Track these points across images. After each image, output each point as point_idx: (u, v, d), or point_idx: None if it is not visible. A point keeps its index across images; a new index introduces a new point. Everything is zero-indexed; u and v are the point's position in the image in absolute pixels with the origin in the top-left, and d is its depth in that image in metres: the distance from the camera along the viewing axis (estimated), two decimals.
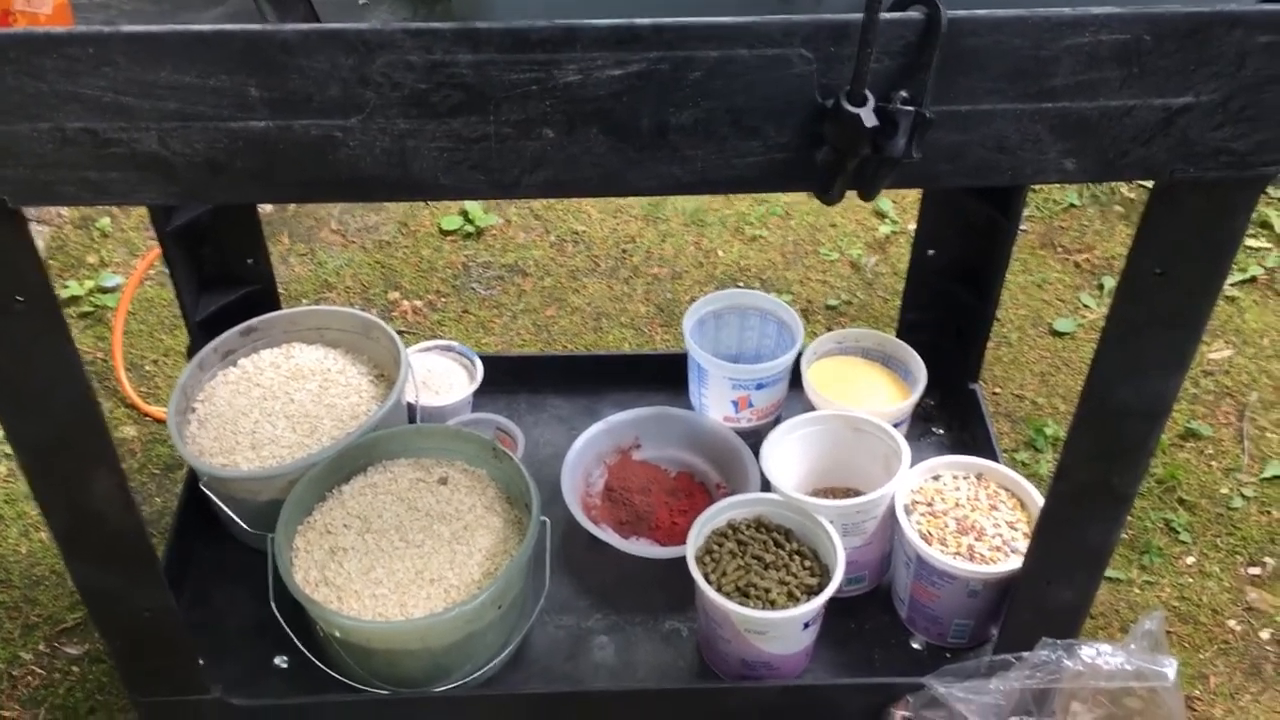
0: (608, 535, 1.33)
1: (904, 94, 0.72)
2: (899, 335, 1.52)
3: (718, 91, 0.73)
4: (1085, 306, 1.92)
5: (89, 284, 1.94)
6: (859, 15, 0.69)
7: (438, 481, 1.28)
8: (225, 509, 1.26)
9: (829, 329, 1.91)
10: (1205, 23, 0.71)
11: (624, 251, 2.05)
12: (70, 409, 0.89)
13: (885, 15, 0.70)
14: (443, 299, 1.96)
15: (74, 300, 1.92)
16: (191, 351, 1.40)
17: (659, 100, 0.73)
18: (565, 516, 1.35)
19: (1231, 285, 1.95)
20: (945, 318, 1.48)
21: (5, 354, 0.85)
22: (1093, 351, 0.91)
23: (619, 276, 2.00)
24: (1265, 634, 1.49)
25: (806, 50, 0.72)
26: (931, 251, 1.45)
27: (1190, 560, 1.57)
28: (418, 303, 1.95)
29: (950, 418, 1.52)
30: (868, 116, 0.71)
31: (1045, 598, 1.10)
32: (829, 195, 0.77)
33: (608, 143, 0.75)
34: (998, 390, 1.80)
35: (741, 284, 1.99)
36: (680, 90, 0.73)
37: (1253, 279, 1.96)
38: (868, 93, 0.71)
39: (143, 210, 2.01)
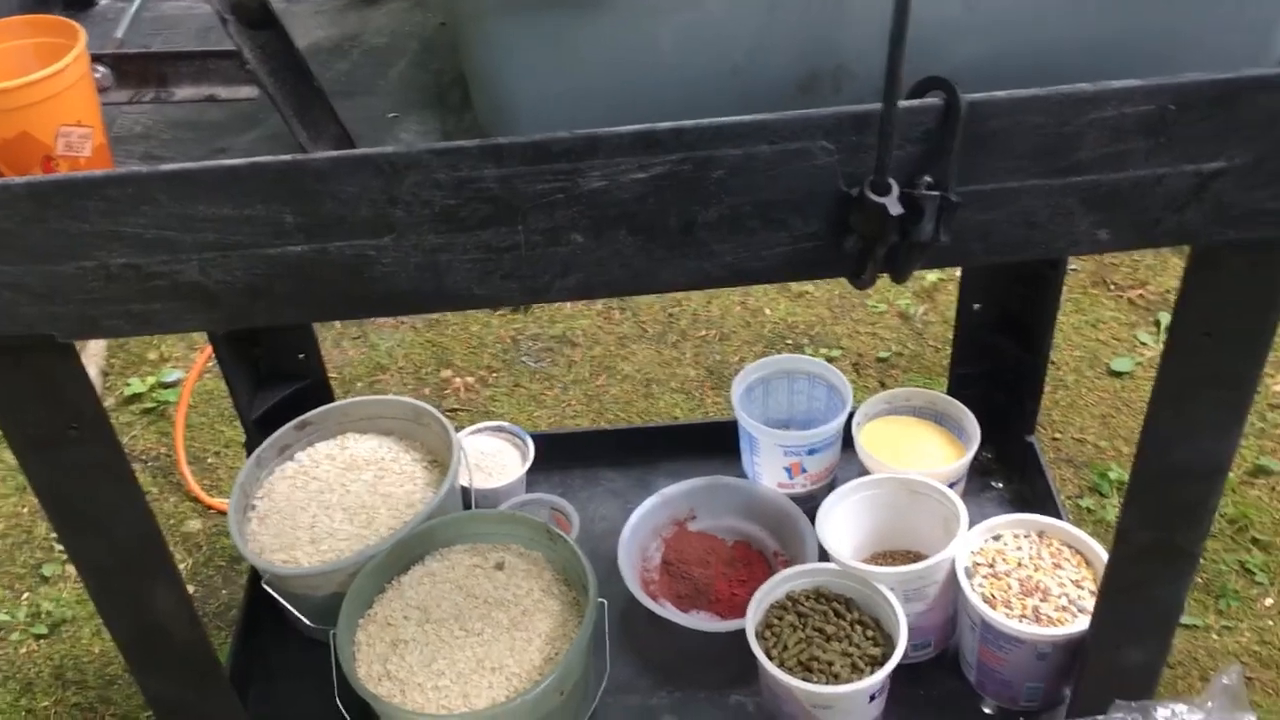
0: (667, 611, 1.33)
1: (928, 179, 0.72)
2: (950, 390, 1.50)
3: (742, 187, 0.73)
4: (1142, 344, 1.89)
5: (150, 380, 1.98)
6: (878, 105, 0.69)
7: (494, 567, 1.28)
8: (288, 606, 1.28)
9: (881, 383, 1.90)
10: (1231, 89, 0.70)
11: (670, 316, 2.06)
12: (129, 530, 0.91)
13: (904, 103, 0.70)
14: (494, 374, 1.98)
15: (136, 397, 1.96)
16: (249, 448, 1.42)
17: (684, 199, 0.74)
18: (624, 593, 1.34)
19: None
20: (996, 371, 1.46)
21: (63, 480, 0.87)
22: (1161, 359, 0.89)
23: (667, 341, 2.01)
24: None
25: (828, 142, 0.72)
26: (977, 305, 1.43)
27: (1269, 602, 1.53)
28: (470, 379, 1.97)
29: (1009, 471, 1.50)
30: (893, 205, 0.71)
31: (1116, 660, 1.08)
32: (860, 280, 0.77)
33: (636, 243, 0.76)
34: (1058, 436, 1.77)
35: (790, 341, 1.98)
36: (704, 189, 0.73)
37: None
38: (891, 181, 0.71)
39: None
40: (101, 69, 0.81)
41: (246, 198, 0.73)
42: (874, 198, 0.71)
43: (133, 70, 0.83)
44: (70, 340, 0.79)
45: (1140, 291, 2.00)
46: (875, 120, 0.70)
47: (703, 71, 0.74)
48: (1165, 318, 1.91)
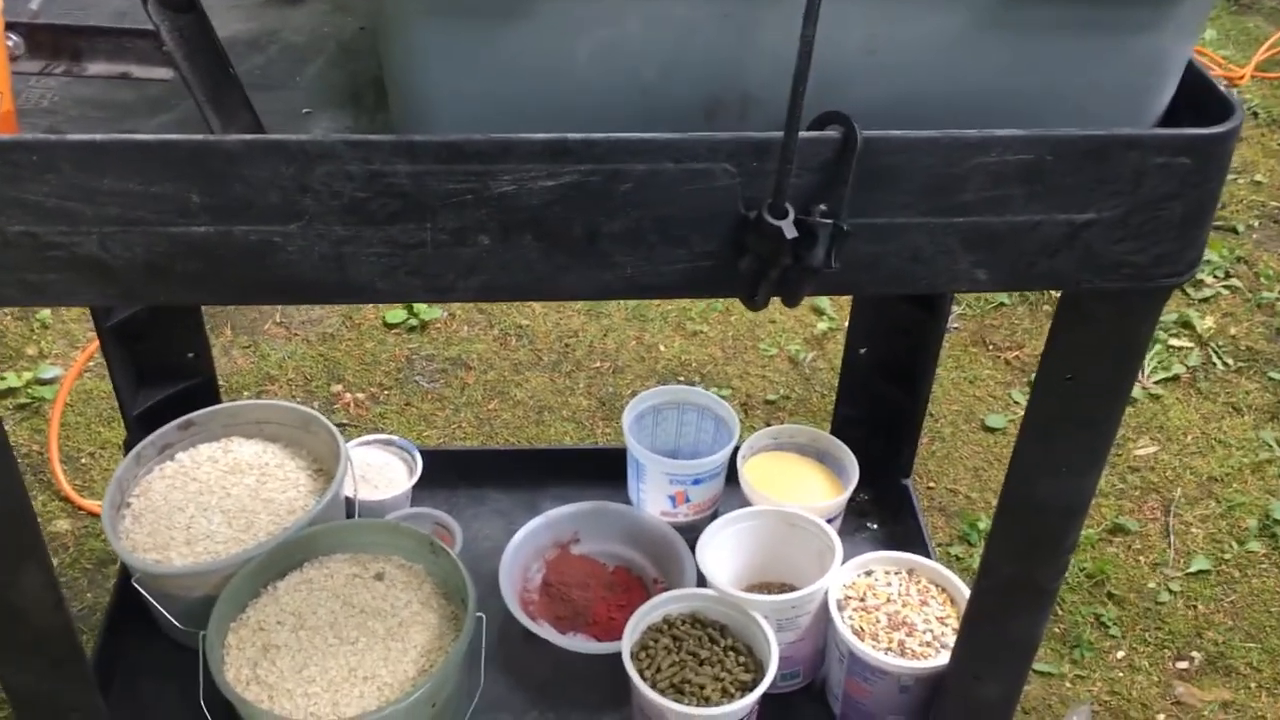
0: (545, 631, 1.33)
1: (823, 207, 0.76)
2: (833, 431, 1.55)
3: (646, 202, 0.76)
4: (1016, 403, 1.97)
5: (27, 375, 1.92)
6: (780, 134, 0.73)
7: (374, 577, 1.28)
8: (157, 606, 1.25)
9: (768, 423, 1.95)
10: (1103, 144, 0.76)
11: (566, 346, 2.08)
12: (5, 504, 0.89)
13: (804, 134, 0.74)
14: (385, 392, 1.97)
15: (11, 392, 1.90)
16: (129, 445, 1.40)
17: (590, 210, 0.76)
18: (503, 611, 1.35)
19: (1156, 383, 2.01)
20: (877, 415, 1.51)
21: None
22: (1028, 399, 0.93)
23: (561, 370, 2.02)
24: None
25: (730, 165, 0.75)
26: (863, 350, 1.49)
27: (1120, 654, 1.60)
28: (360, 395, 1.96)
29: (883, 512, 1.55)
30: (788, 229, 0.74)
31: (973, 693, 1.12)
32: (754, 301, 0.80)
33: (540, 249, 0.78)
34: (932, 485, 1.83)
35: (682, 378, 2.02)
36: (610, 200, 0.76)
37: (1175, 377, 2.03)
38: (788, 206, 0.75)
39: None
40: (14, 37, 0.81)
41: (154, 174, 0.73)
42: (771, 220, 0.74)
43: (46, 41, 0.82)
44: None
45: (1017, 353, 2.09)
46: (776, 147, 0.73)
47: (615, 87, 0.76)
48: None
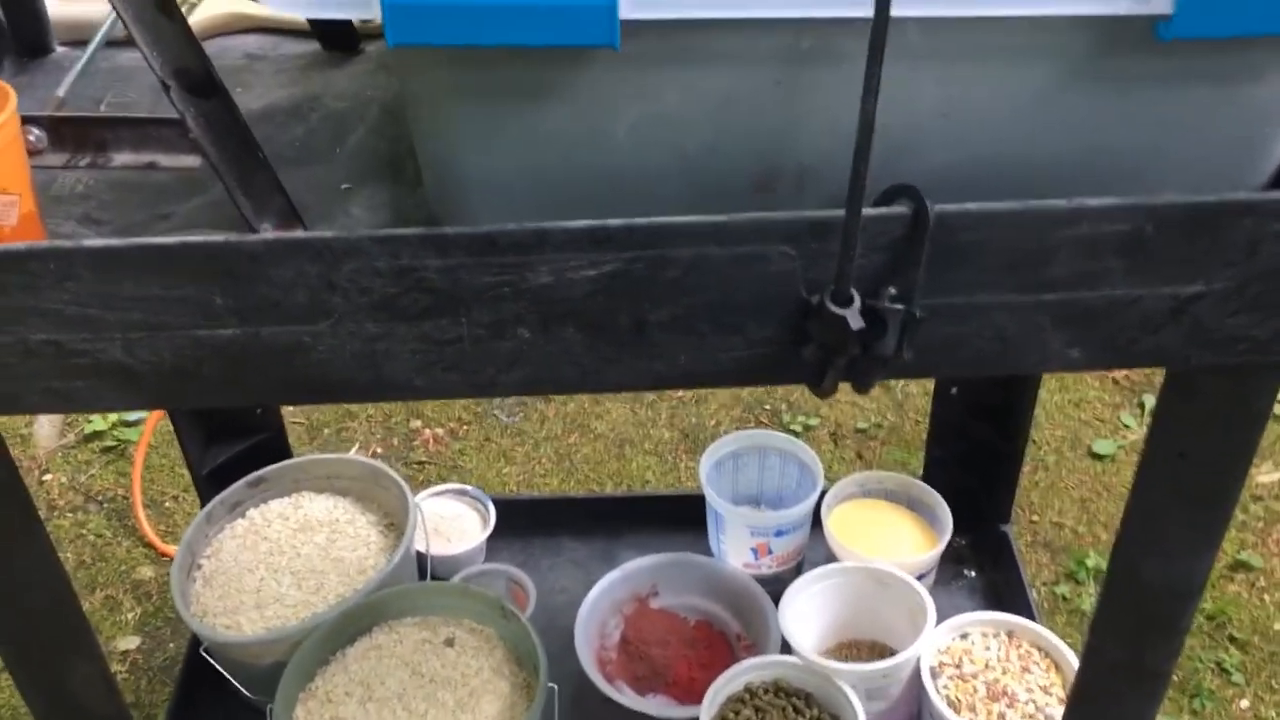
0: (623, 695, 1.28)
1: (893, 290, 0.68)
2: (925, 473, 1.47)
3: (695, 289, 0.70)
4: (1125, 426, 1.85)
5: (113, 417, 1.94)
6: (840, 211, 0.66)
7: (444, 643, 1.24)
8: (226, 674, 1.23)
9: (859, 454, 1.87)
10: (1211, 212, 0.67)
11: None
12: (46, 601, 0.87)
13: (869, 211, 0.67)
14: (465, 427, 1.94)
15: (97, 435, 1.92)
16: (201, 504, 1.38)
17: (635, 298, 0.70)
18: (579, 670, 1.30)
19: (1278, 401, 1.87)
20: (972, 457, 1.43)
21: None
22: (1134, 475, 0.85)
23: (643, 401, 1.97)
24: None
25: (787, 247, 0.68)
26: (954, 390, 1.40)
27: (1244, 703, 1.49)
28: (439, 431, 1.93)
29: (982, 559, 1.46)
30: (853, 318, 0.67)
31: None
32: (821, 390, 0.73)
33: (584, 341, 0.72)
34: (1035, 519, 1.73)
35: (768, 407, 1.95)
36: (656, 288, 0.70)
37: None
38: (853, 292, 0.67)
39: None
40: (36, 131, 0.78)
41: (175, 278, 0.69)
42: (834, 309, 0.67)
43: (69, 133, 0.79)
44: None
45: (1126, 372, 1.97)
46: (837, 226, 0.66)
47: (658, 164, 0.70)
48: (1150, 400, 1.88)
